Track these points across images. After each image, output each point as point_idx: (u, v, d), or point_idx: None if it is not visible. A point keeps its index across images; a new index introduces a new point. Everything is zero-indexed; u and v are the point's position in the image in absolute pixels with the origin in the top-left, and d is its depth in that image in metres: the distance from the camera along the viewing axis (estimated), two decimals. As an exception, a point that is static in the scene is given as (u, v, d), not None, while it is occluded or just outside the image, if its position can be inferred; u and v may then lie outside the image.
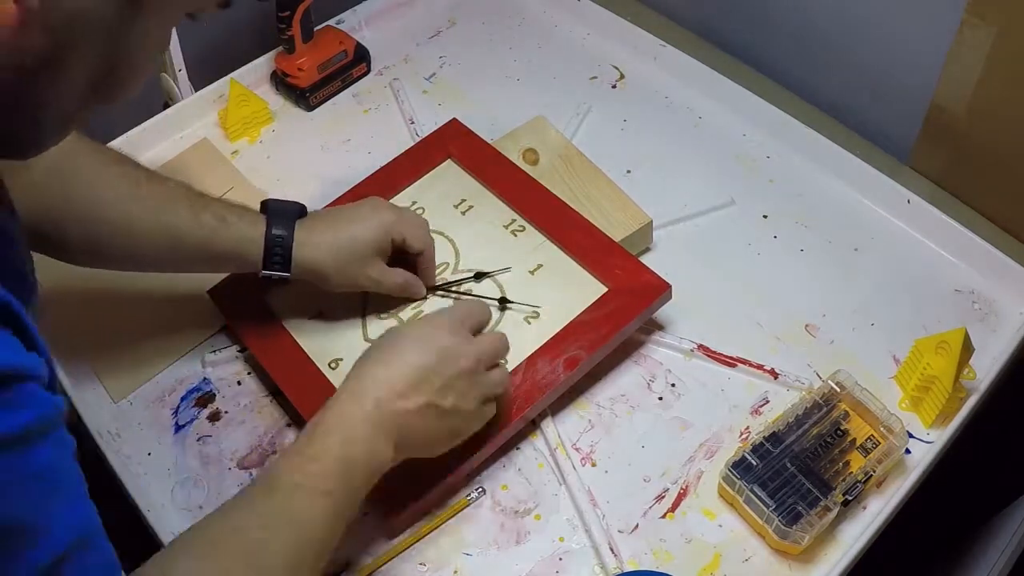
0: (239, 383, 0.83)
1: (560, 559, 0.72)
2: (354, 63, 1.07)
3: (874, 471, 0.72)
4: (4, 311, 0.45)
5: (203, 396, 0.82)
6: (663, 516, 0.74)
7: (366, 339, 0.81)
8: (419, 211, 0.90)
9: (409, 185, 0.91)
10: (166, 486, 0.77)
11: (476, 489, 0.75)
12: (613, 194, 0.90)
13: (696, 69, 1.04)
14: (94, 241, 0.74)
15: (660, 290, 0.80)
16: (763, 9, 1.06)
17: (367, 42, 1.10)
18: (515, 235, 0.86)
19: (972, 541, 0.94)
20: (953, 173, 0.94)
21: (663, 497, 0.74)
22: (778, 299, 0.86)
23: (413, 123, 1.03)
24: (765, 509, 0.69)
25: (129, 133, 1.00)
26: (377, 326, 0.82)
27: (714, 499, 0.74)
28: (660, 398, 0.80)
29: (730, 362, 0.82)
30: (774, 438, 0.73)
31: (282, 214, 0.76)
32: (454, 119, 0.96)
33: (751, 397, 0.80)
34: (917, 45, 0.92)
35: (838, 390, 0.76)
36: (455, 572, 0.71)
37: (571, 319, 0.79)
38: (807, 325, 0.85)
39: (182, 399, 0.82)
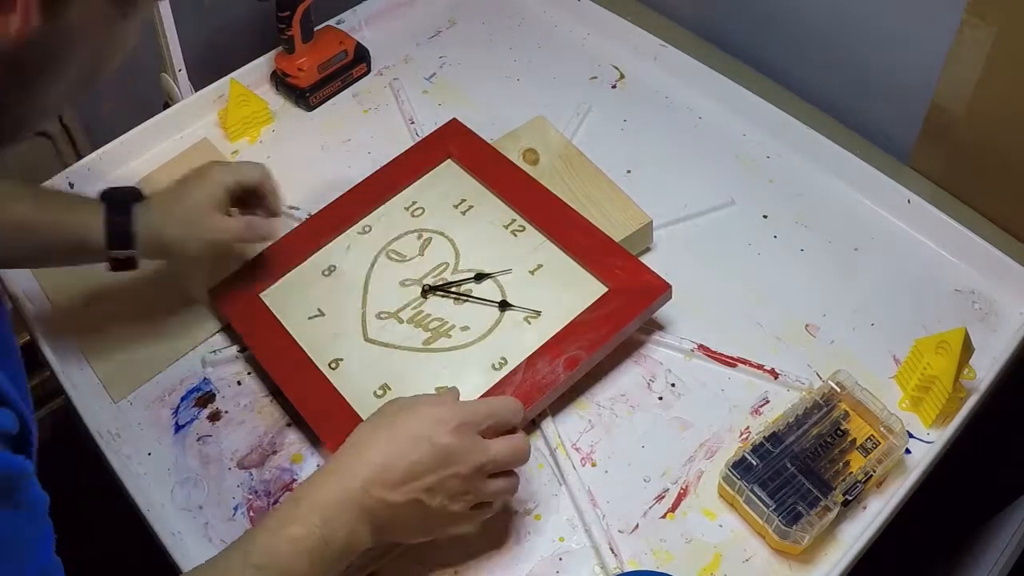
0: (239, 383, 0.83)
1: (560, 559, 0.72)
2: (354, 63, 1.07)
3: (874, 471, 0.72)
4: None
5: (203, 396, 0.82)
6: (663, 516, 0.74)
7: (366, 339, 0.81)
8: (419, 211, 0.90)
9: (409, 185, 0.92)
10: (166, 486, 0.77)
11: (476, 489, 0.75)
12: (613, 194, 0.90)
13: (696, 69, 1.04)
14: None
15: (660, 290, 0.80)
16: (763, 9, 1.06)
17: (367, 42, 1.10)
18: (515, 235, 0.86)
19: (972, 541, 0.94)
20: (953, 173, 0.94)
21: (663, 497, 0.74)
22: (778, 299, 0.86)
23: (413, 123, 1.03)
24: (765, 509, 0.69)
25: (129, 133, 1.00)
26: (377, 326, 0.82)
27: (714, 499, 0.74)
28: (660, 398, 0.80)
29: (730, 362, 0.82)
30: (774, 438, 0.73)
31: (118, 198, 0.78)
32: (454, 119, 0.96)
33: (751, 397, 0.80)
34: (917, 45, 0.92)
35: (838, 390, 0.76)
36: (455, 572, 0.71)
37: (571, 319, 0.79)
38: (807, 325, 0.85)
39: (182, 399, 0.82)
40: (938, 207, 0.90)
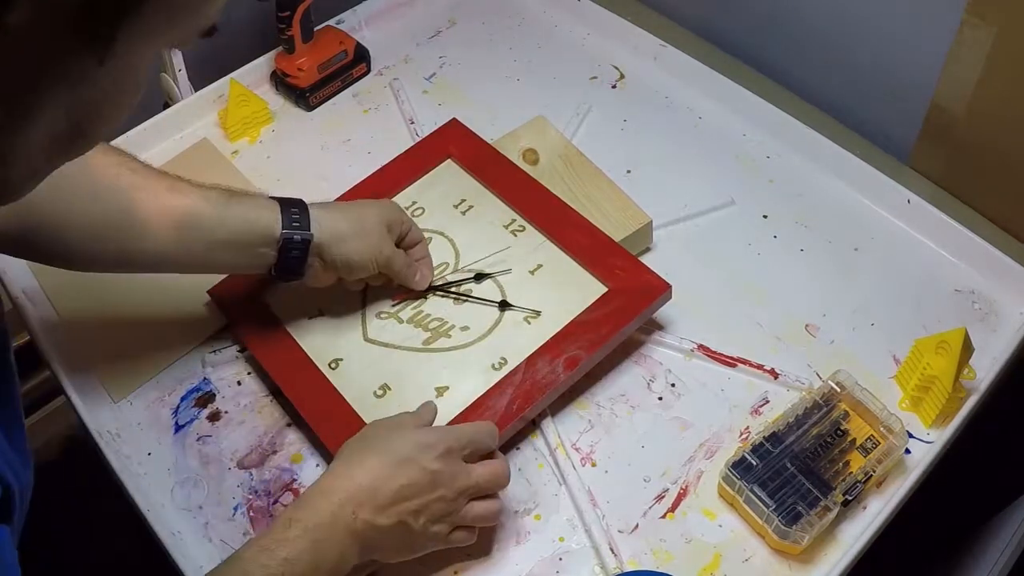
0: (239, 383, 0.83)
1: (560, 559, 0.72)
2: (354, 63, 1.07)
3: (874, 471, 0.72)
4: None
5: (203, 396, 0.82)
6: (663, 516, 0.74)
7: (366, 339, 0.81)
8: (419, 211, 0.90)
9: (409, 185, 0.92)
10: (166, 486, 0.77)
11: (476, 489, 0.75)
12: (613, 194, 0.90)
13: (696, 69, 1.04)
14: (129, 246, 0.72)
15: (660, 290, 0.80)
16: (763, 9, 1.06)
17: (367, 42, 1.10)
18: (515, 235, 0.86)
19: (972, 541, 0.94)
20: (953, 173, 0.94)
21: (663, 497, 0.74)
22: (778, 299, 0.86)
23: (413, 123, 1.03)
24: (765, 509, 0.69)
25: (129, 133, 1.00)
26: (377, 326, 0.82)
27: (714, 499, 0.74)
28: (660, 398, 0.80)
29: (730, 362, 0.82)
30: (774, 438, 0.73)
31: (287, 199, 0.76)
32: (454, 119, 0.96)
33: (751, 397, 0.80)
34: (917, 45, 0.92)
35: (838, 390, 0.76)
36: (455, 572, 0.71)
37: (571, 319, 0.79)
38: (807, 325, 0.85)
39: (182, 399, 0.82)
40: (938, 207, 0.90)
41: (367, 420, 0.75)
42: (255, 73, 1.08)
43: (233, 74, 1.05)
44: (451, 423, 0.74)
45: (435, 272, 0.85)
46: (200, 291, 0.85)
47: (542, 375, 0.76)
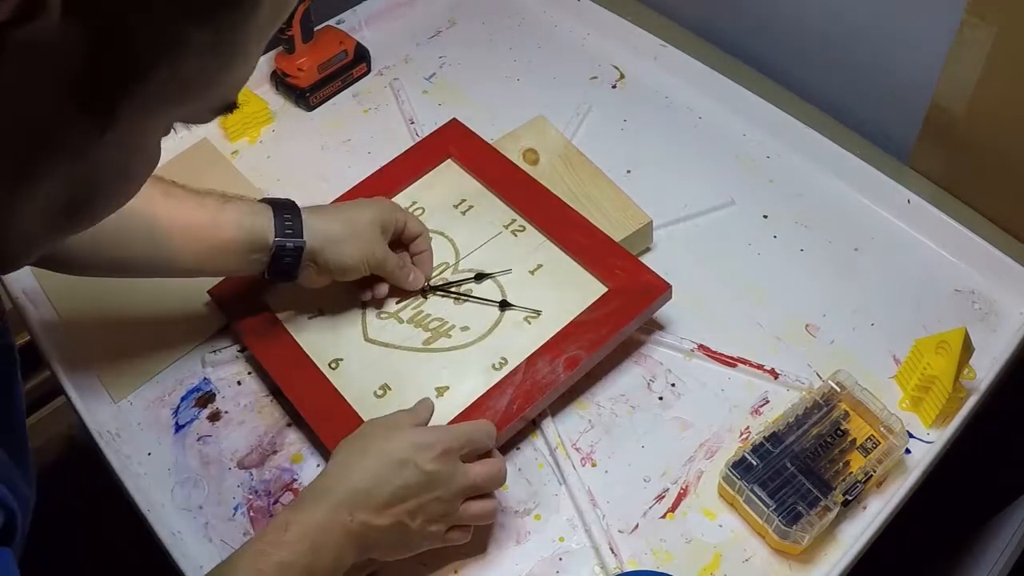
0: (239, 383, 0.83)
1: (560, 559, 0.72)
2: (354, 63, 1.07)
3: (874, 471, 0.72)
4: None
5: (203, 396, 0.82)
6: (663, 516, 0.74)
7: (366, 339, 0.81)
8: (419, 211, 0.90)
9: (409, 185, 0.92)
10: (166, 486, 0.77)
11: (476, 489, 0.75)
12: (613, 194, 0.90)
13: (696, 69, 1.04)
14: (124, 252, 0.72)
15: (660, 290, 0.80)
16: (763, 9, 1.06)
17: (367, 42, 1.10)
18: (515, 235, 0.86)
19: (972, 541, 0.94)
20: (953, 173, 0.94)
21: (663, 497, 0.74)
22: (778, 299, 0.86)
23: (413, 123, 1.03)
24: (765, 509, 0.69)
25: (129, 133, 1.00)
26: (377, 326, 0.82)
27: (714, 499, 0.74)
28: (660, 398, 0.80)
29: (730, 362, 0.82)
30: (774, 438, 0.73)
31: (280, 202, 0.77)
32: (454, 119, 0.96)
33: (751, 397, 0.80)
34: (917, 45, 0.92)
35: (838, 390, 0.76)
36: (455, 572, 0.71)
37: (571, 319, 0.79)
38: (807, 325, 0.85)
39: (182, 399, 0.82)
40: (938, 207, 0.90)
41: (367, 420, 0.75)
42: (255, 73, 1.06)
43: (233, 74, 1.05)
44: (451, 423, 0.74)
45: (435, 272, 0.85)
46: (200, 291, 0.85)
47: (542, 375, 0.76)
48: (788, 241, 0.91)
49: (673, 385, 0.81)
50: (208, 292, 0.85)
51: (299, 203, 0.78)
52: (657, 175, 0.96)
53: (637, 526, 0.73)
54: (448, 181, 0.91)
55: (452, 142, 0.93)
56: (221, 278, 0.85)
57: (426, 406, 0.73)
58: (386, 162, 0.94)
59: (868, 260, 0.89)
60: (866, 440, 0.74)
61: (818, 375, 0.81)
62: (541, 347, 0.78)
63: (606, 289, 0.81)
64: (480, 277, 0.84)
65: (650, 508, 0.74)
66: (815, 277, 0.88)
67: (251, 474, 0.77)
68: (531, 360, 0.77)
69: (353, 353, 0.81)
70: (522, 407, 0.75)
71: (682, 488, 0.75)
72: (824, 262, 0.89)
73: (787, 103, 1.01)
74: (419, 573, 0.71)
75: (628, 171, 0.96)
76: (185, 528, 0.74)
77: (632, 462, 0.77)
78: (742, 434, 0.78)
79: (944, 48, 0.87)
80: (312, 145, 1.02)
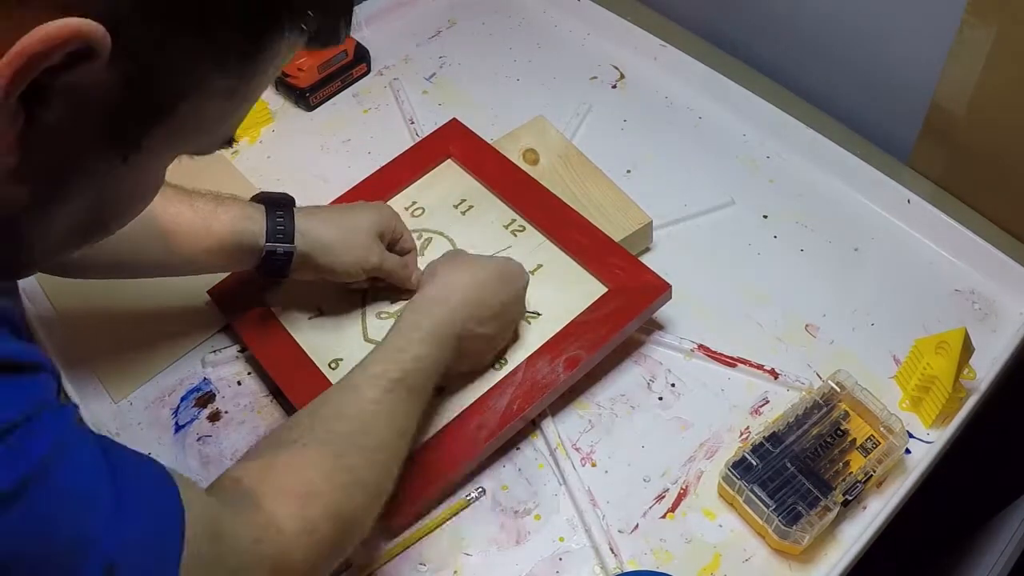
0: (239, 383, 0.83)
1: (560, 559, 0.72)
2: (354, 63, 1.07)
3: (874, 471, 0.71)
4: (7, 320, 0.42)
5: (203, 396, 0.82)
6: (663, 516, 0.74)
7: (366, 339, 0.81)
8: (419, 211, 0.90)
9: (409, 185, 0.92)
10: (166, 486, 0.77)
11: (476, 489, 0.75)
12: (613, 194, 0.90)
13: (696, 69, 1.04)
14: (124, 255, 0.73)
15: (660, 290, 0.80)
16: (763, 9, 1.06)
17: (367, 42, 1.10)
18: (515, 235, 0.86)
19: (972, 541, 0.94)
20: (953, 173, 0.94)
21: (663, 497, 0.74)
22: (778, 299, 0.86)
23: (413, 123, 1.03)
24: (765, 509, 0.69)
25: (129, 133, 1.00)
26: (377, 326, 0.82)
27: (714, 499, 0.74)
28: (660, 398, 0.80)
29: (730, 362, 0.82)
30: (774, 438, 0.73)
31: (275, 198, 0.78)
32: (454, 119, 0.96)
33: (751, 397, 0.80)
34: (917, 45, 0.92)
35: (838, 390, 0.76)
36: (455, 572, 0.71)
37: (571, 319, 0.79)
38: (807, 325, 0.85)
39: (182, 399, 0.82)
40: (938, 207, 0.90)
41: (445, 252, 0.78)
42: (255, 73, 1.07)
43: (233, 74, 1.05)
44: (451, 423, 0.74)
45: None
46: (200, 291, 0.85)
47: (542, 375, 0.76)
48: (788, 241, 0.91)
49: (673, 385, 0.81)
50: (208, 292, 0.85)
51: (299, 203, 0.78)
52: (657, 175, 0.96)
53: (637, 526, 0.73)
54: (448, 181, 0.91)
55: (452, 142, 0.93)
56: (220, 278, 0.85)
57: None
58: (386, 162, 0.94)
59: (868, 260, 0.89)
60: (866, 440, 0.74)
61: (818, 375, 0.81)
62: (541, 347, 0.78)
63: (606, 289, 0.81)
64: (480, 277, 0.84)
65: (650, 508, 0.74)
66: (815, 277, 0.88)
67: (251, 474, 0.77)
68: (531, 360, 0.77)
69: (353, 353, 0.81)
70: (522, 407, 0.75)
71: (682, 488, 0.75)
72: (824, 262, 0.89)
73: (787, 103, 1.01)
74: (419, 573, 0.71)
75: (628, 171, 0.96)
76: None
77: (632, 462, 0.77)
78: (742, 434, 0.78)
79: (944, 48, 0.87)
80: (312, 145, 1.02)
